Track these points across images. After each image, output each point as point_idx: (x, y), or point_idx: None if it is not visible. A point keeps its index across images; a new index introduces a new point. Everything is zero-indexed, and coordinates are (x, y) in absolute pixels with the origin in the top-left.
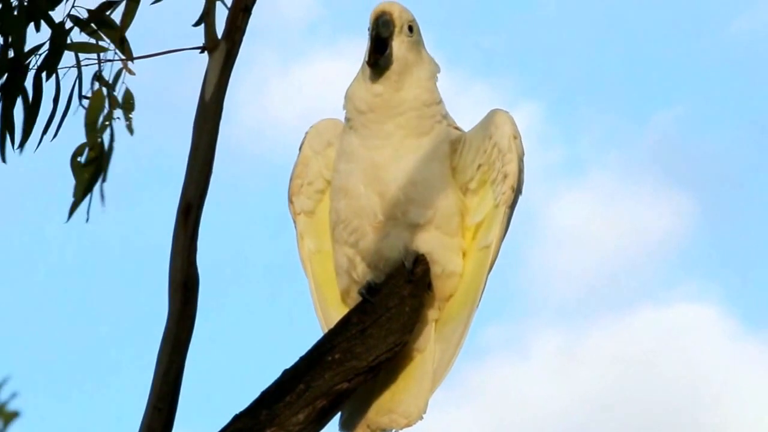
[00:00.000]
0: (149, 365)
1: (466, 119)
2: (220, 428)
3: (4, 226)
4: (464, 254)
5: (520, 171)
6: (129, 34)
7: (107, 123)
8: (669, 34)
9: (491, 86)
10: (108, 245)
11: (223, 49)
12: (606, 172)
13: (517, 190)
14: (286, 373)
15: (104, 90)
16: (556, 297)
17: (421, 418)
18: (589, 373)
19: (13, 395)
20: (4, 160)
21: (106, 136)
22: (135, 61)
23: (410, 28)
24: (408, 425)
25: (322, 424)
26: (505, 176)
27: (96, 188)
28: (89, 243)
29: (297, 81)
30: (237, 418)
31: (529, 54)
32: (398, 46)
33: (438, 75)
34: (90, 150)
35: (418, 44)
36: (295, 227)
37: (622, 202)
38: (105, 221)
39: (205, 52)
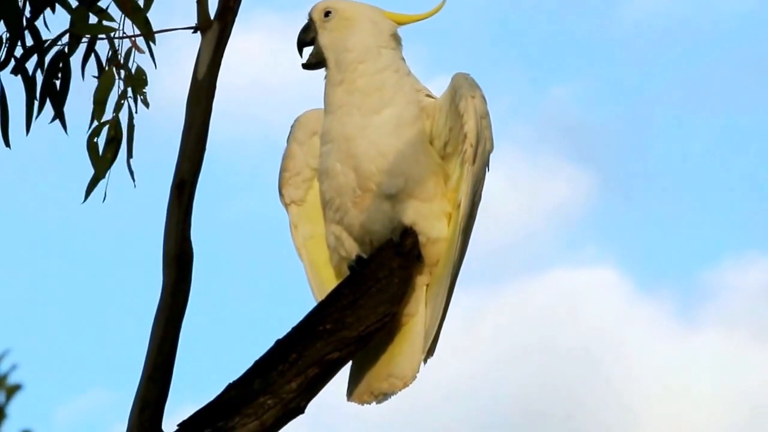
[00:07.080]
0: (144, 337)
1: None
2: (214, 397)
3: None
4: (450, 217)
5: (482, 128)
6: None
7: (122, 101)
8: (568, 16)
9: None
10: (104, 222)
11: (216, 29)
12: (509, 142)
13: (483, 147)
14: (279, 342)
15: (114, 69)
16: (468, 261)
17: (415, 377)
18: (498, 334)
19: (13, 367)
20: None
21: (122, 115)
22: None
23: (327, 14)
24: (405, 386)
25: (315, 392)
26: (465, 135)
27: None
28: (86, 219)
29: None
30: (231, 387)
31: (441, 30)
32: (321, 36)
33: (387, 29)
34: (109, 128)
35: (342, 21)
36: (288, 216)
37: (525, 171)
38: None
39: (198, 32)
